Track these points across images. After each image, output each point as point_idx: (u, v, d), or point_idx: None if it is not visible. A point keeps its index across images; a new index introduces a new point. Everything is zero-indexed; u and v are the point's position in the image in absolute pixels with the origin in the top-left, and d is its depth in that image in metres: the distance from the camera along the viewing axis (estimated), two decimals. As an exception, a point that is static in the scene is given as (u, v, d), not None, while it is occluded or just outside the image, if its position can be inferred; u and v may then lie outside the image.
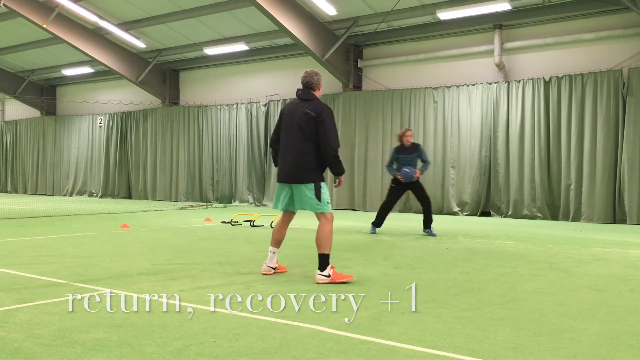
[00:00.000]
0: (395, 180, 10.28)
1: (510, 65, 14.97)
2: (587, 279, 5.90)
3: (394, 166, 10.29)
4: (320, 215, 5.76)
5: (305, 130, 5.69)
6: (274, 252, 6.02)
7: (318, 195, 5.72)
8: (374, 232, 10.37)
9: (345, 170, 6.03)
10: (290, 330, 3.86)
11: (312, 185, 5.72)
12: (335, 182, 6.09)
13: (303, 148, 5.71)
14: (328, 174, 5.96)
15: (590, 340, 3.70)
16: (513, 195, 14.52)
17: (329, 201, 5.80)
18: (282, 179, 5.88)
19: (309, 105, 5.76)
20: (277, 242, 6.04)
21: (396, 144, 10.56)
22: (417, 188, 10.34)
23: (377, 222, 10.44)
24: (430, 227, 10.14)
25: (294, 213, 6.06)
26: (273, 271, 6.01)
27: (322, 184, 5.79)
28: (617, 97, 13.32)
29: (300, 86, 6.02)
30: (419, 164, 10.26)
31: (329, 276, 5.54)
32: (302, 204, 5.79)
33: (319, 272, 5.58)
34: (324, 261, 5.58)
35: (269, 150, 6.34)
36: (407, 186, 10.25)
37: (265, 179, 19.13)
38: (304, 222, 12.69)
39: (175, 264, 6.64)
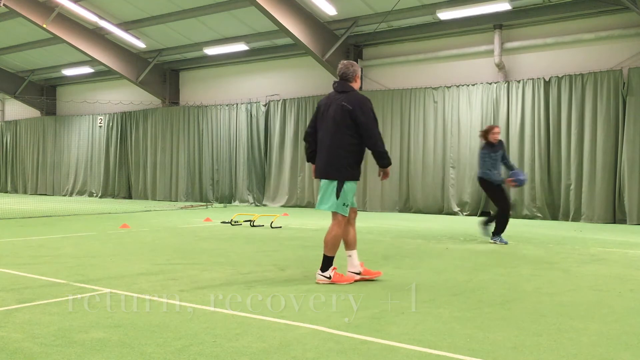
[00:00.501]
0: (498, 185, 9.08)
1: (510, 65, 14.97)
2: (587, 279, 5.90)
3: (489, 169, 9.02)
4: (333, 215, 5.56)
5: (341, 124, 5.46)
6: (350, 256, 5.62)
7: (338, 193, 5.48)
8: (505, 242, 8.96)
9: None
10: (290, 330, 3.86)
11: (335, 183, 5.51)
12: (379, 174, 5.80)
13: (336, 142, 5.48)
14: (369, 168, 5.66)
15: (590, 340, 3.70)
16: (513, 195, 14.50)
17: (348, 204, 5.52)
18: (315, 173, 5.75)
19: (345, 98, 5.52)
20: (348, 244, 5.64)
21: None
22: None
23: (500, 229, 9.05)
24: (500, 234, 9.04)
25: (354, 210, 5.74)
26: (359, 277, 5.59)
27: (348, 184, 5.51)
28: (617, 97, 13.32)
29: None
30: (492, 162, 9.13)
31: (329, 277, 5.50)
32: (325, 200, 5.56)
33: (320, 272, 5.55)
34: (326, 262, 5.51)
35: (303, 144, 6.13)
36: (498, 186, 9.13)
37: (265, 179, 19.13)
38: (304, 221, 12.68)
39: (175, 264, 6.64)
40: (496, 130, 9.22)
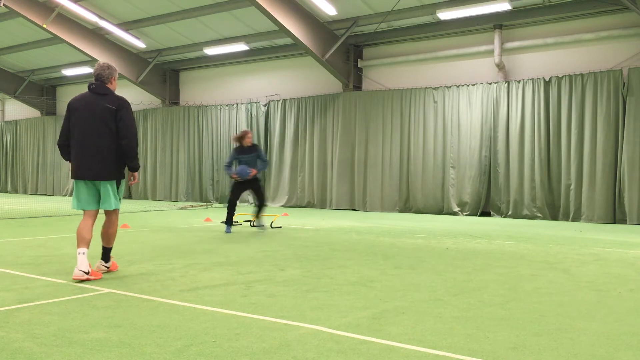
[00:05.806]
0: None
1: (510, 65, 14.97)
2: (587, 279, 5.90)
3: None
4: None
5: (106, 123, 5.61)
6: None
7: (117, 190, 5.86)
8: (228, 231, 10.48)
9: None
10: (290, 330, 3.86)
11: (113, 182, 5.79)
12: (130, 179, 6.08)
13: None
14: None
15: (590, 340, 3.70)
16: (513, 195, 14.52)
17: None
18: (83, 173, 5.61)
19: (107, 99, 5.57)
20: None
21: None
22: None
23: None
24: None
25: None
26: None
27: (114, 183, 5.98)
28: (617, 97, 13.32)
29: None
30: None
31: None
32: None
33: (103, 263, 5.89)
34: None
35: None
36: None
37: (265, 179, 19.13)
38: (304, 221, 12.69)
39: (175, 264, 6.64)
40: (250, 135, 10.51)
